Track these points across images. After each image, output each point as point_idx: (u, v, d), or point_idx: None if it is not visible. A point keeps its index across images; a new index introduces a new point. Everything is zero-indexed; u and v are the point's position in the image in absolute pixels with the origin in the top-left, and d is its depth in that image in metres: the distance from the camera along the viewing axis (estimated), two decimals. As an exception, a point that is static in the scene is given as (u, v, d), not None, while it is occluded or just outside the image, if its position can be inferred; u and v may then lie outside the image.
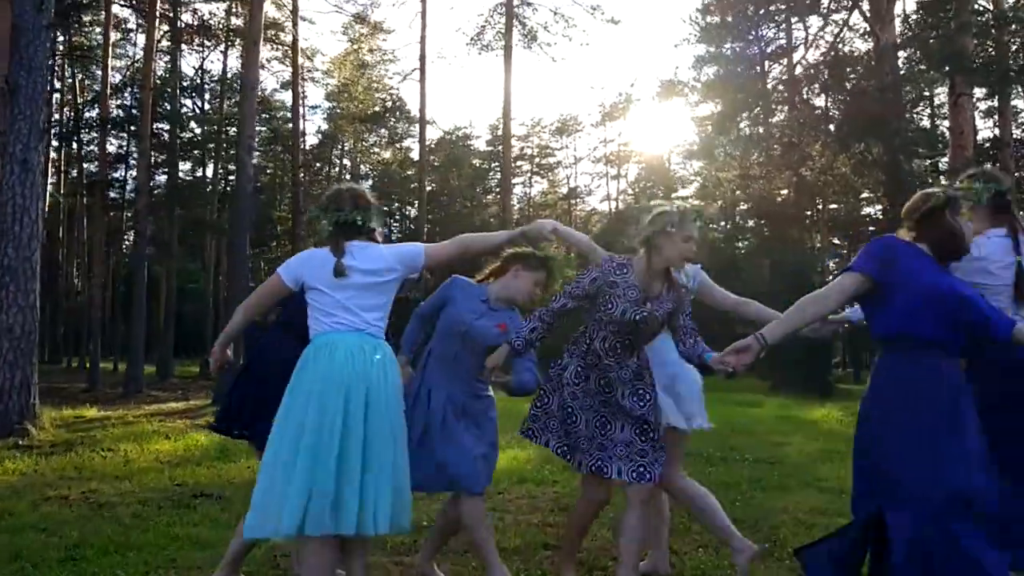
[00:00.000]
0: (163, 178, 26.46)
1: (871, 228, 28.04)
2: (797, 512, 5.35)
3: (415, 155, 39.94)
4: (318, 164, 45.39)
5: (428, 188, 48.63)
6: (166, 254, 21.32)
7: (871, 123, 12.27)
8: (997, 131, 21.37)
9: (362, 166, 45.93)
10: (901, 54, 17.63)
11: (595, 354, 3.21)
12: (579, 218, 56.01)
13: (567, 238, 3.74)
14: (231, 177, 26.56)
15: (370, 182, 51.20)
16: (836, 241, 37.70)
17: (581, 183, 58.36)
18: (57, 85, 24.53)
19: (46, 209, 14.62)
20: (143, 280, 18.25)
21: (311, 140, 43.90)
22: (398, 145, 45.02)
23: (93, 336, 21.06)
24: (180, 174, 26.32)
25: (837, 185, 19.88)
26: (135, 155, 22.63)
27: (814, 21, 23.31)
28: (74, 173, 30.88)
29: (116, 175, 28.22)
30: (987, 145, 24.61)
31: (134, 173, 22.86)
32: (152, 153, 21.88)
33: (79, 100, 26.61)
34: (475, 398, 3.52)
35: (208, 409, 13.32)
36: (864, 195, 25.47)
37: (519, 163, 54.84)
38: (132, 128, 23.00)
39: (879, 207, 26.40)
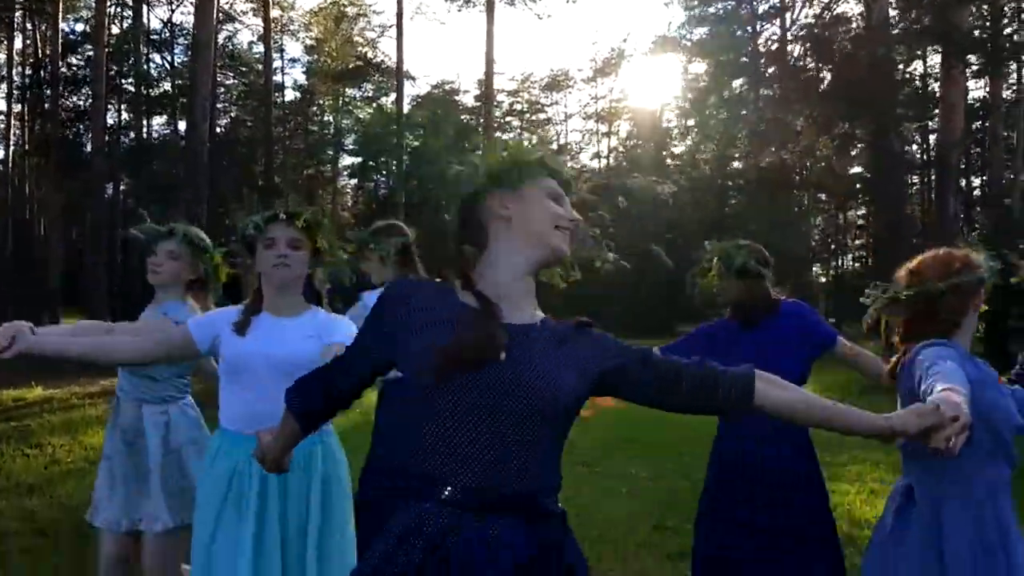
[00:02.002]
0: (132, 134, 25.71)
1: (857, 186, 27.63)
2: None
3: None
4: (298, 119, 44.40)
5: (414, 144, 47.86)
6: (134, 218, 20.66)
7: (860, 100, 11.72)
8: (988, 91, 20.87)
9: (343, 122, 44.98)
10: (893, 13, 17.05)
11: None
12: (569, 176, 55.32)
13: None
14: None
15: (352, 138, 50.43)
16: (823, 197, 37.33)
17: (572, 140, 57.57)
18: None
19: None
20: (100, 242, 17.76)
21: (290, 95, 42.89)
22: (379, 102, 44.05)
23: (53, 295, 20.53)
24: (153, 132, 25.53)
25: (820, 168, 19.39)
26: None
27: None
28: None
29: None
30: (977, 105, 24.06)
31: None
32: (121, 108, 21.09)
33: (40, 55, 25.67)
34: None
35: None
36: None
37: (508, 119, 53.90)
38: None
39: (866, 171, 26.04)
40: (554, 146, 55.50)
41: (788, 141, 18.50)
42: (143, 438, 2.93)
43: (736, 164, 32.01)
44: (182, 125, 29.02)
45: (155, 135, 28.43)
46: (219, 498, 2.33)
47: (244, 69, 32.95)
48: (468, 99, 53.08)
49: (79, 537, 4.94)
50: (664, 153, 42.95)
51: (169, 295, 3.10)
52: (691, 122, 36.95)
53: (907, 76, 22.38)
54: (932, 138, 25.42)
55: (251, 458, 2.12)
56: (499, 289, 1.66)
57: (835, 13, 20.34)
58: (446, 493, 1.46)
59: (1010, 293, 3.55)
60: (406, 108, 39.79)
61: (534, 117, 55.23)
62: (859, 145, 15.06)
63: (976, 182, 37.51)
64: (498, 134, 49.78)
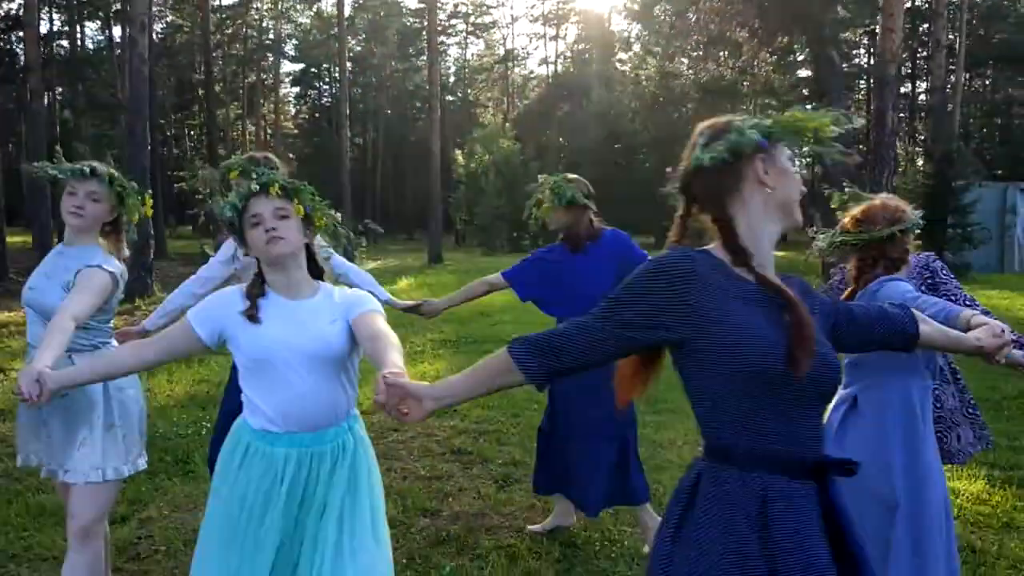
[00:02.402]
0: (67, 43, 24.46)
1: (805, 92, 28.02)
2: (684, 449, 5.39)
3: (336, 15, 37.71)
4: (237, 22, 42.60)
5: (356, 50, 46.44)
6: (75, 136, 20.01)
7: (798, 13, 11.85)
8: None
9: (283, 27, 43.22)
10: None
11: None
12: (516, 83, 54.54)
13: None
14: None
15: (293, 44, 48.58)
16: (772, 103, 37.58)
17: (519, 45, 56.58)
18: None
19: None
20: (39, 159, 17.13)
21: (227, -1, 41.01)
22: (319, 6, 42.30)
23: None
24: (88, 39, 24.32)
25: (760, 85, 19.55)
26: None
27: None
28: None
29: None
30: (924, 8, 24.18)
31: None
32: (52, 15, 20.03)
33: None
34: None
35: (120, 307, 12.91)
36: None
37: (453, 21, 52.44)
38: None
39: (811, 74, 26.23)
40: (500, 51, 54.48)
41: (730, 55, 18.63)
42: (80, 390, 2.67)
43: (679, 80, 32.05)
44: (117, 31, 27.80)
45: (89, 43, 27.13)
46: (244, 505, 2.16)
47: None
48: (411, 1, 51.41)
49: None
50: (612, 60, 42.54)
51: (83, 239, 2.86)
52: (638, 28, 36.52)
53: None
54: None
55: (287, 461, 2.12)
56: (763, 261, 1.59)
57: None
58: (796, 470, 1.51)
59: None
60: (347, 12, 38.27)
61: (479, 20, 53.78)
62: (800, 58, 15.29)
63: (922, 86, 38.21)
64: (442, 38, 48.59)
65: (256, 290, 2.21)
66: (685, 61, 22.41)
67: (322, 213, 2.28)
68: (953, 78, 25.29)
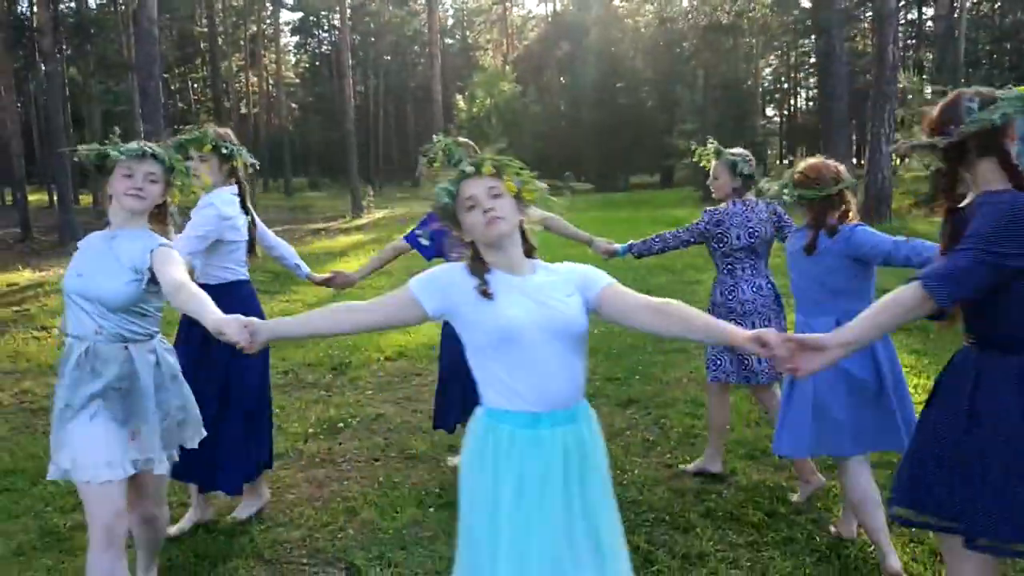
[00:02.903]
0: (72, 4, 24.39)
1: (808, 23, 27.69)
2: (690, 387, 5.74)
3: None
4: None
5: (355, -4, 45.74)
6: (84, 96, 20.15)
7: None
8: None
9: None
10: None
11: None
12: (515, 24, 53.75)
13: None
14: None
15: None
16: (776, 44, 37.06)
17: (517, -17, 55.47)
18: None
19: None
20: (59, 123, 17.44)
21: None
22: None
23: (16, 173, 20.09)
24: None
25: (756, 25, 19.41)
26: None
27: None
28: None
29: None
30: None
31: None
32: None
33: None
34: None
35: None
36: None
37: (451, -37, 51.48)
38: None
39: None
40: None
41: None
42: (136, 379, 2.63)
43: (677, 24, 31.63)
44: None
45: (92, 3, 27.01)
46: (522, 494, 2.06)
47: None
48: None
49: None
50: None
51: (137, 221, 2.75)
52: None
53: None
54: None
55: (553, 441, 2.06)
56: None
57: None
58: None
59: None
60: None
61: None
62: None
63: (928, 12, 37.48)
64: (441, -20, 47.75)
65: (480, 267, 2.15)
66: (684, 3, 22.30)
67: (532, 186, 2.21)
68: (958, 4, 24.91)
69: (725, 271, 3.91)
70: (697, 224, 3.92)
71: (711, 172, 3.99)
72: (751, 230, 3.83)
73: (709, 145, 4.03)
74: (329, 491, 4.03)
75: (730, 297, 3.86)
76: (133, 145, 2.76)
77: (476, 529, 2.09)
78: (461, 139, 4.11)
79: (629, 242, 4.15)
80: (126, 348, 2.62)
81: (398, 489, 4.00)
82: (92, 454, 2.57)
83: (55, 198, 27.70)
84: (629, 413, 5.18)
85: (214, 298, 2.40)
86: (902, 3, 41.86)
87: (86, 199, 27.96)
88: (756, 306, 3.83)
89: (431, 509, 3.73)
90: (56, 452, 2.65)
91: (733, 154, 3.95)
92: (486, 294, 2.08)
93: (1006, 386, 2.00)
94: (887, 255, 2.92)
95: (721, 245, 3.87)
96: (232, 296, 3.44)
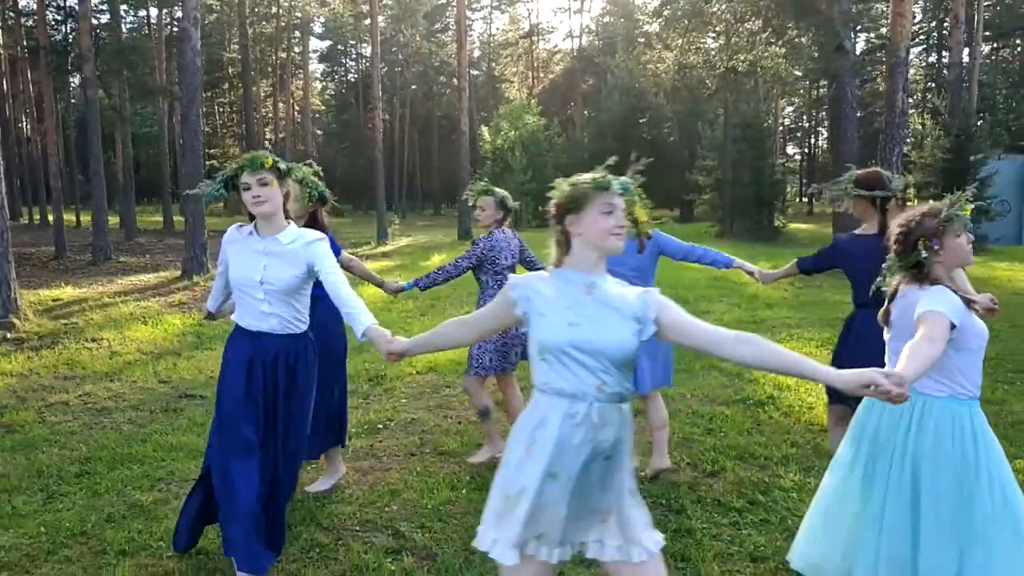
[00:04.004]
0: (105, 18, 25.32)
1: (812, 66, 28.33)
2: (692, 401, 6.32)
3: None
4: (266, 2, 43.41)
5: (381, 25, 47.00)
6: (119, 118, 21.07)
7: (807, 9, 12.46)
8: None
9: (308, 7, 43.75)
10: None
11: None
12: (541, 58, 54.94)
13: None
14: (178, 14, 25.75)
15: (320, 22, 49.24)
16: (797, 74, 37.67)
17: (543, 19, 56.83)
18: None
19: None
20: (98, 147, 18.26)
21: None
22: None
23: (53, 193, 21.02)
24: (124, 23, 25.33)
25: (769, 75, 20.11)
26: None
27: None
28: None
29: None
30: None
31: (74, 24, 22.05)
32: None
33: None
34: None
35: (178, 284, 14.07)
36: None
37: (479, -2, 52.83)
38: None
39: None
40: (525, 26, 54.82)
41: (741, 51, 19.31)
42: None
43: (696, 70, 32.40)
44: (153, 12, 28.75)
45: (126, 25, 28.17)
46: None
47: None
48: (438, -23, 51.73)
49: (164, 412, 6.27)
50: (636, 32, 42.79)
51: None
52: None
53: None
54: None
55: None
56: None
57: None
58: None
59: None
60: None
61: (505, -5, 54.09)
62: (811, 47, 15.93)
63: (946, 56, 38.10)
64: (469, 13, 49.04)
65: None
66: (702, 52, 23.06)
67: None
68: (967, 54, 25.46)
69: (495, 287, 4.64)
70: (475, 251, 4.68)
71: (479, 204, 4.78)
72: (512, 253, 4.76)
73: (479, 184, 4.86)
74: (373, 477, 4.64)
75: None
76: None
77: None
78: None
79: (413, 279, 4.80)
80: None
81: (433, 477, 4.60)
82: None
83: (79, 217, 28.73)
84: (638, 421, 5.74)
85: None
86: (920, 48, 42.66)
87: (113, 219, 28.70)
88: None
89: (463, 491, 4.34)
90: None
91: (499, 191, 4.83)
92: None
93: None
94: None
95: (494, 266, 4.69)
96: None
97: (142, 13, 30.39)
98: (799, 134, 52.82)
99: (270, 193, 3.14)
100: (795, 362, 2.11)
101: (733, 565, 3.47)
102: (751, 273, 4.60)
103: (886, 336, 2.85)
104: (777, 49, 17.60)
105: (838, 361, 3.96)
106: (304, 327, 3.35)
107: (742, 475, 4.53)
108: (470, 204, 4.90)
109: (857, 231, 4.12)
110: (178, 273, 15.29)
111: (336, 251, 3.87)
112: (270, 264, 3.17)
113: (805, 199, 45.37)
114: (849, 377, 2.02)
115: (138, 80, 20.46)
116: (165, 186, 32.10)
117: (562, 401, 2.18)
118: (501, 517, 2.21)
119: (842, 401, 4.04)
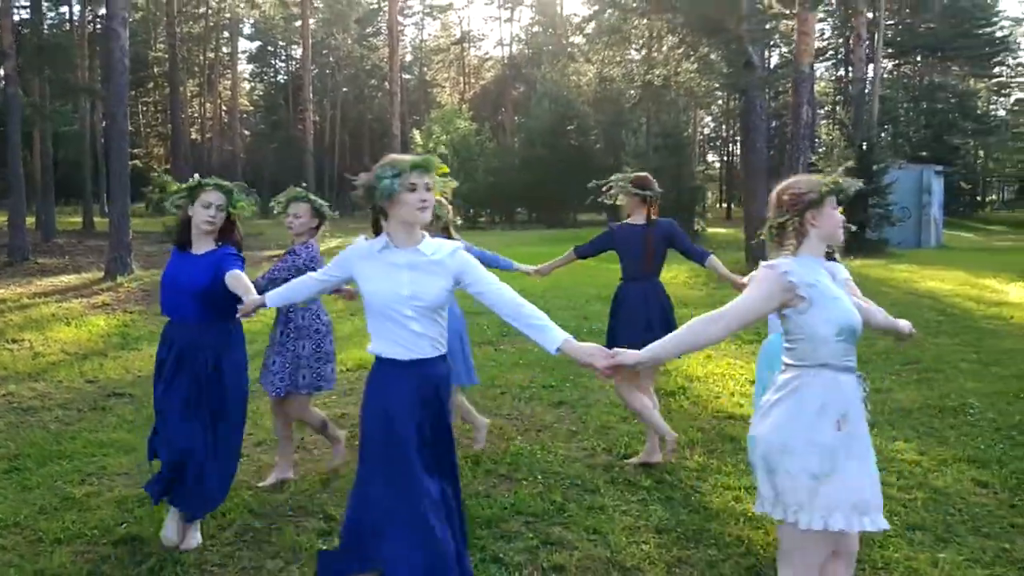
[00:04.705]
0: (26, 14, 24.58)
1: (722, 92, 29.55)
2: (611, 392, 6.67)
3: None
4: (194, 1, 42.60)
5: (312, 28, 46.65)
6: (39, 117, 20.43)
7: (713, 27, 13.11)
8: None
9: (238, 9, 43.11)
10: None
11: None
12: (472, 64, 55.32)
13: None
14: (101, 11, 25.09)
15: (250, 22, 48.54)
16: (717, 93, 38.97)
17: (475, 27, 57.31)
18: None
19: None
20: (17, 145, 17.74)
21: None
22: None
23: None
24: (43, 21, 24.59)
25: (682, 88, 20.99)
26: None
27: None
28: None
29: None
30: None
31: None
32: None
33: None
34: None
35: (101, 285, 13.83)
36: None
37: (410, 3, 52.88)
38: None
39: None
40: (457, 33, 55.11)
41: (654, 66, 20.12)
42: None
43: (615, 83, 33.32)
44: (75, 7, 27.93)
45: (47, 22, 27.37)
46: None
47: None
48: (369, -18, 51.61)
49: (93, 410, 6.32)
50: (565, 42, 43.57)
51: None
52: (587, 13, 37.51)
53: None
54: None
55: None
56: None
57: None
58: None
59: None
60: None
61: (436, 2, 54.28)
62: (721, 63, 16.75)
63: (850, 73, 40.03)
64: (401, 19, 49.09)
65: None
66: (622, 65, 23.89)
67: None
68: (871, 70, 26.91)
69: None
70: (295, 262, 4.32)
71: (295, 211, 4.46)
72: (320, 262, 4.34)
73: (294, 190, 4.57)
74: (305, 468, 4.86)
75: (315, 319, 4.53)
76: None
77: None
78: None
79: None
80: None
81: (362, 466, 4.84)
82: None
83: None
84: (558, 411, 6.13)
85: None
86: (829, 63, 44.65)
87: (30, 219, 27.65)
88: (331, 325, 4.65)
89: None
90: None
91: (315, 198, 4.62)
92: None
93: None
94: None
95: None
96: None
97: (63, 9, 29.52)
98: (718, 143, 54.57)
99: (433, 199, 2.89)
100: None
101: (640, 536, 3.82)
102: (528, 273, 5.25)
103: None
104: (690, 65, 18.41)
105: (613, 323, 4.91)
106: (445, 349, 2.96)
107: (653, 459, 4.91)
108: (275, 212, 4.65)
109: (627, 221, 4.97)
110: (100, 274, 15.01)
111: (240, 264, 3.77)
112: (416, 278, 2.81)
113: (724, 204, 46.86)
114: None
115: (60, 78, 19.91)
116: (86, 186, 31.16)
117: (852, 377, 2.56)
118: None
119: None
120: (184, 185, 3.85)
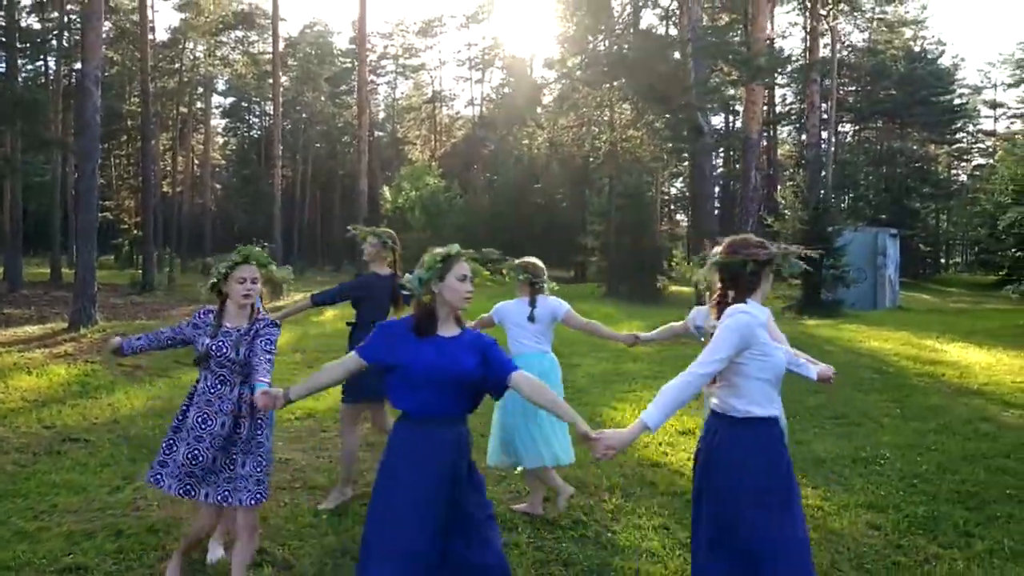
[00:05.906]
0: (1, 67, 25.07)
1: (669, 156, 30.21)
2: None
3: (270, 54, 38.91)
4: (171, 55, 43.31)
5: (284, 84, 47.54)
6: (9, 169, 20.67)
7: (659, 95, 13.89)
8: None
9: (211, 67, 43.83)
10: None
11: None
12: (443, 122, 56.51)
13: None
14: (76, 66, 25.43)
15: (224, 79, 49.32)
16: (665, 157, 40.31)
17: (446, 87, 58.73)
18: None
19: None
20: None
21: (161, 35, 41.71)
22: (251, 48, 43.24)
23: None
24: (18, 75, 24.97)
25: (629, 155, 21.95)
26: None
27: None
28: None
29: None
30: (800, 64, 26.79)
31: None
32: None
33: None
34: None
35: (65, 336, 13.98)
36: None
37: (383, 62, 54.12)
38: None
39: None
40: (428, 92, 56.44)
41: (601, 133, 21.01)
42: None
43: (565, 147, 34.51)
44: (51, 62, 28.34)
45: (21, 74, 27.77)
46: None
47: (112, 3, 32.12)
48: (342, 41, 52.87)
49: (48, 454, 6.54)
50: (533, 104, 44.81)
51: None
52: (553, 77, 38.71)
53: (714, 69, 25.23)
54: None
55: None
56: None
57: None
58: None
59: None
60: (281, 47, 39.39)
61: (408, 62, 55.62)
62: (664, 130, 17.63)
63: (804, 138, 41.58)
64: (372, 77, 50.22)
65: None
66: (572, 131, 24.97)
67: None
68: (826, 135, 28.11)
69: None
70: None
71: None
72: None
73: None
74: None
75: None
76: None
77: None
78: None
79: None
80: None
81: (300, 506, 5.15)
82: None
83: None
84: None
85: None
86: (789, 128, 46.28)
87: None
88: None
89: (324, 517, 4.92)
90: None
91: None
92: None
93: None
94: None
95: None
96: None
97: (39, 63, 29.97)
98: (684, 203, 55.85)
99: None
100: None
101: (547, 569, 4.18)
102: None
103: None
104: (636, 132, 19.26)
105: None
106: None
107: (574, 501, 5.27)
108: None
109: (374, 270, 5.50)
110: (65, 325, 15.15)
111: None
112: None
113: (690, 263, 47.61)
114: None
115: (33, 131, 20.22)
116: (55, 236, 31.25)
117: None
118: None
119: (355, 401, 5.31)
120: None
